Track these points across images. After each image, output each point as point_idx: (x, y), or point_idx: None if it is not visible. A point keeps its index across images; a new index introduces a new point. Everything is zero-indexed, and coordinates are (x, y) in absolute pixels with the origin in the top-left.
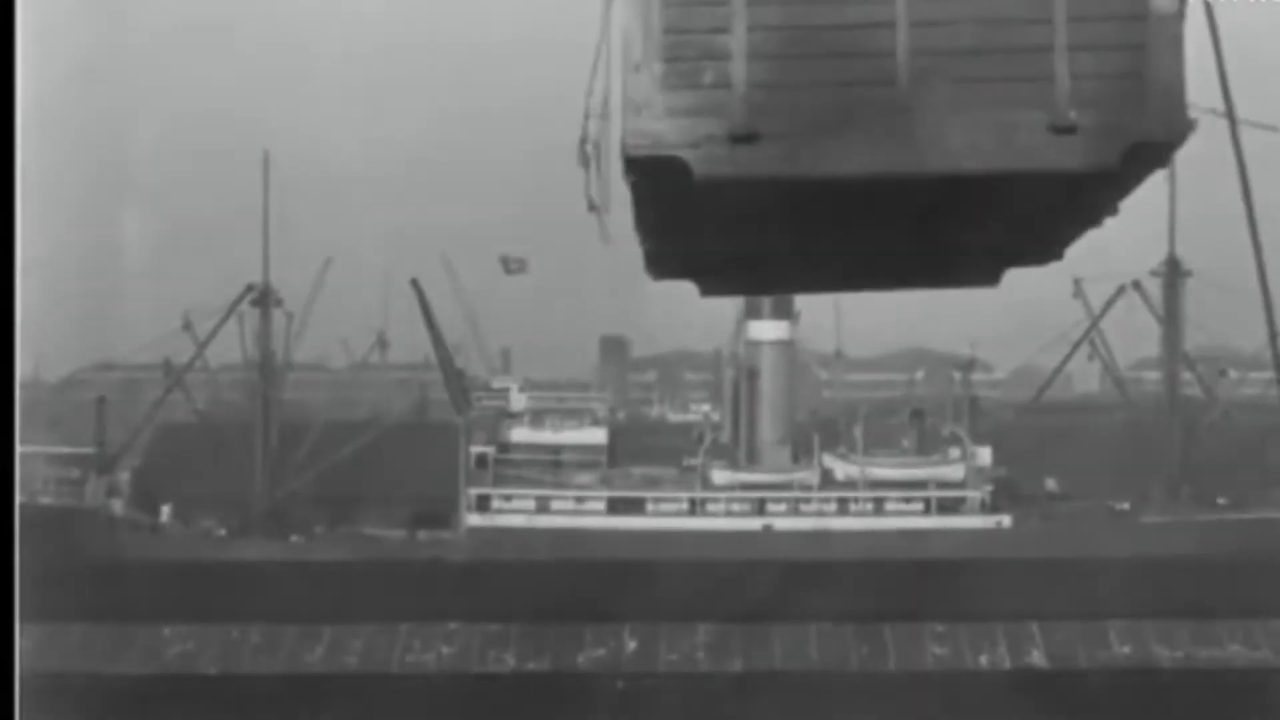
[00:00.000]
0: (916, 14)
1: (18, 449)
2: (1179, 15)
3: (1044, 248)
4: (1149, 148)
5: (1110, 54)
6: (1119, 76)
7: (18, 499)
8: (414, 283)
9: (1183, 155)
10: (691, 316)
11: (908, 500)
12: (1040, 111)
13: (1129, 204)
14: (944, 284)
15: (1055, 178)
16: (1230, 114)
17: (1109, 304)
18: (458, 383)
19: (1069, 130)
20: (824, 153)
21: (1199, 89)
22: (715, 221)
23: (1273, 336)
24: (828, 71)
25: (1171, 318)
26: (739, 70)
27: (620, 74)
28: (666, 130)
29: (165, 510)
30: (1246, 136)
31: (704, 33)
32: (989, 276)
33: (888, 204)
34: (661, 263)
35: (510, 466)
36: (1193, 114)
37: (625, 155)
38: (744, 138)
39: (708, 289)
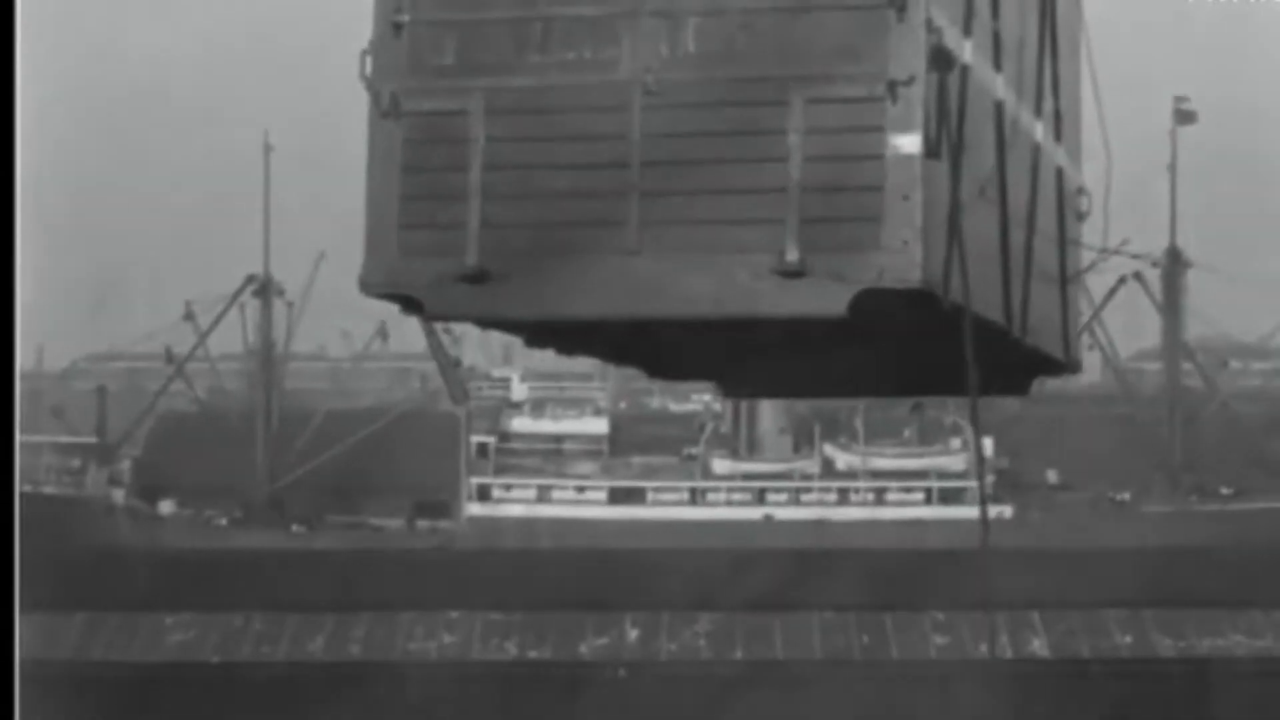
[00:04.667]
0: (649, 155)
1: (18, 438)
2: (919, 157)
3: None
4: (882, 295)
5: (845, 196)
6: (853, 220)
7: (17, 488)
8: None
9: (1184, 147)
10: None
11: (908, 490)
12: (769, 255)
13: (1133, 196)
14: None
15: (786, 324)
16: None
17: (1110, 295)
18: (453, 372)
19: (796, 275)
20: (549, 295)
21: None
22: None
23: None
24: (559, 212)
25: (1172, 308)
26: (473, 209)
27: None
28: (403, 268)
29: (166, 504)
30: (1255, 134)
31: (441, 170)
32: (1017, 387)
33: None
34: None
35: (511, 456)
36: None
37: (362, 292)
38: (474, 278)
39: (729, 390)
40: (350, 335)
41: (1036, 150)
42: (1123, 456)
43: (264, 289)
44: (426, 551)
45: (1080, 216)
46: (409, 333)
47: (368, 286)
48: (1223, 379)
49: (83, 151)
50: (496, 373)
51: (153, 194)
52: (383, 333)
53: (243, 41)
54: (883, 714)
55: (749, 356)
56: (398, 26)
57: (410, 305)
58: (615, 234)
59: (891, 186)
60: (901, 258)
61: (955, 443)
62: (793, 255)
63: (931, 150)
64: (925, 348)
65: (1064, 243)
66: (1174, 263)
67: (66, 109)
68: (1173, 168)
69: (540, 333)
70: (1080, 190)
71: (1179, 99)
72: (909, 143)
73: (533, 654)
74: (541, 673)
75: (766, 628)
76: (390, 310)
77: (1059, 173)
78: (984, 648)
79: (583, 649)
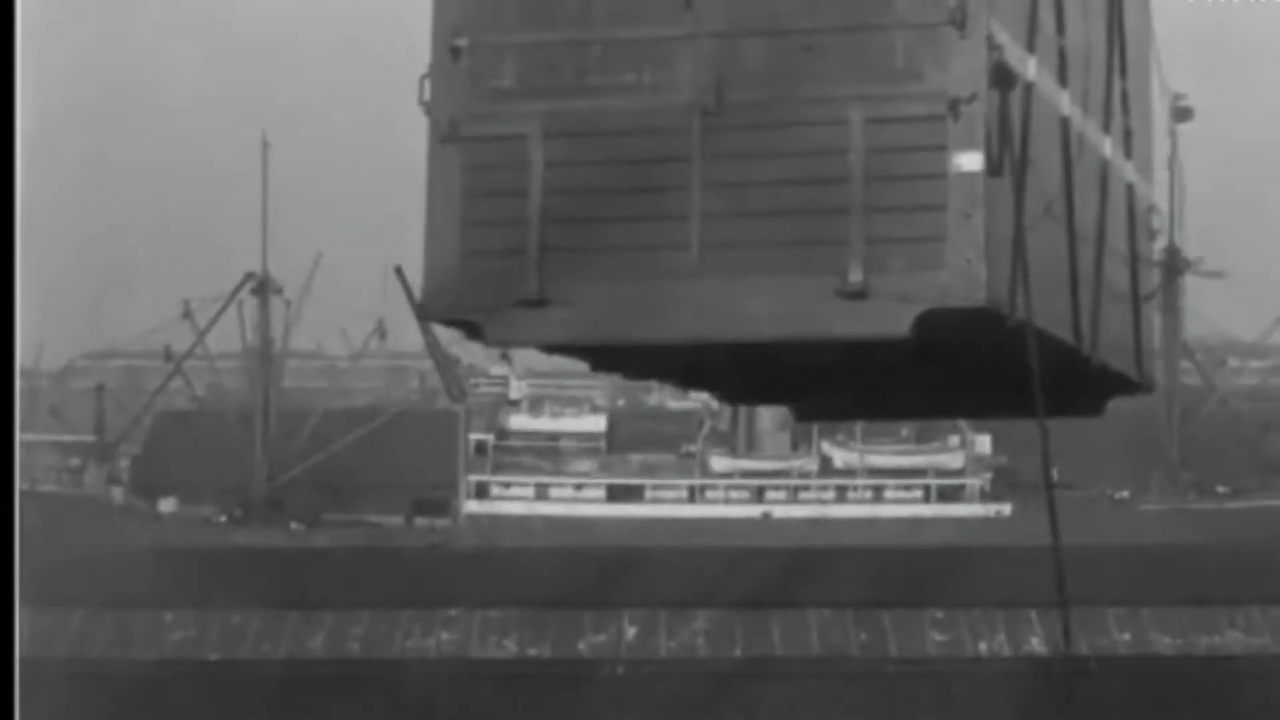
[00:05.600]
0: (710, 176)
1: (18, 436)
2: (981, 176)
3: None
4: (946, 315)
5: (907, 216)
6: (916, 240)
7: (17, 487)
8: (398, 270)
9: (1184, 142)
10: None
11: (907, 488)
12: (832, 276)
13: None
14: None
15: (852, 345)
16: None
17: None
18: (451, 370)
19: (859, 296)
20: (612, 320)
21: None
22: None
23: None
24: (620, 235)
25: (1170, 307)
26: (534, 234)
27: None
28: (462, 294)
29: (167, 502)
30: (1252, 137)
31: (501, 195)
32: (1090, 407)
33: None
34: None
35: (509, 454)
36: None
37: (421, 318)
38: (534, 303)
39: (802, 414)
40: (348, 334)
41: (1105, 167)
42: (1121, 454)
43: (262, 287)
44: (425, 549)
45: (1152, 234)
46: (407, 331)
47: (428, 312)
48: (1221, 377)
49: (81, 150)
50: (494, 370)
51: (150, 192)
52: (380, 331)
53: (243, 39)
54: (881, 711)
55: (820, 380)
56: (455, 51)
57: (472, 331)
58: (677, 257)
59: (954, 205)
60: (965, 277)
61: (953, 440)
62: (856, 276)
63: (994, 168)
64: (995, 368)
65: (1135, 260)
66: (1173, 261)
67: (66, 108)
68: (1171, 165)
69: (605, 358)
70: (1152, 207)
71: (1176, 95)
72: (971, 161)
73: (531, 651)
74: (540, 670)
75: (765, 625)
76: (388, 308)
77: (1129, 189)
78: (982, 646)
79: (581, 646)
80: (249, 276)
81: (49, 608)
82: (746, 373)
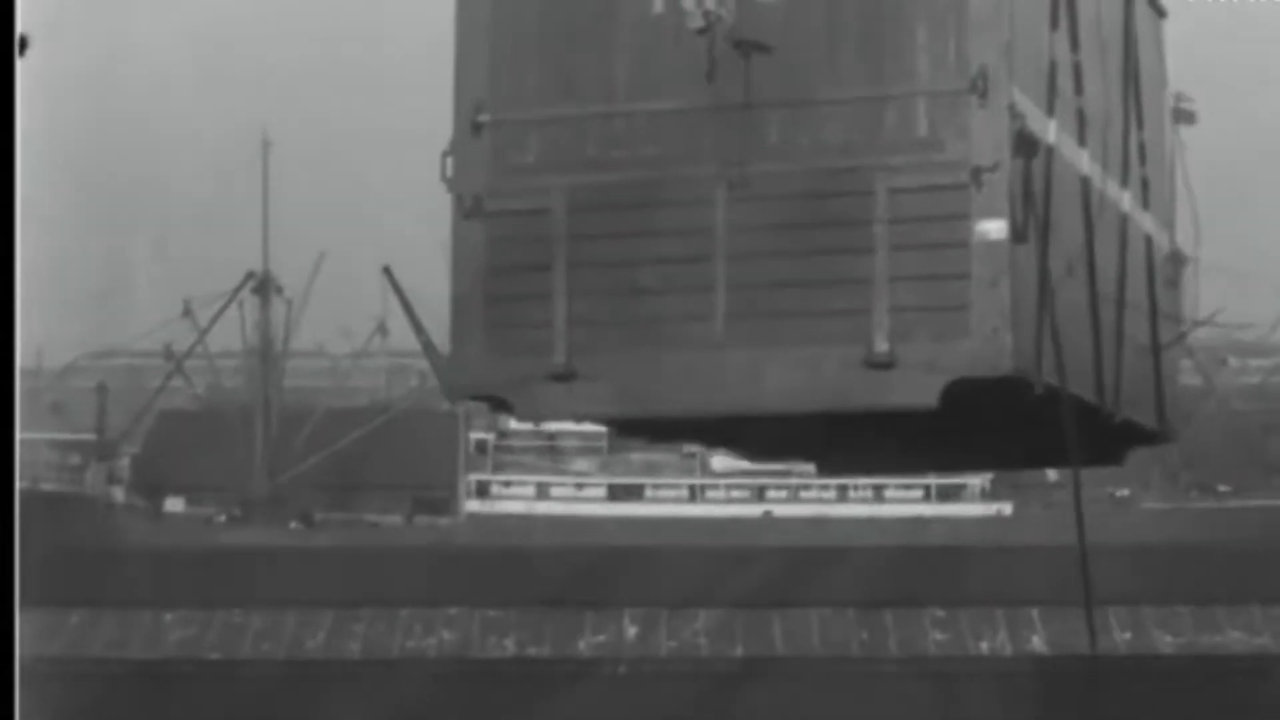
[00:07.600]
0: (734, 248)
1: (18, 435)
2: (1006, 243)
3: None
4: (972, 383)
5: (932, 285)
6: (941, 309)
7: (17, 484)
8: (386, 270)
9: (1185, 137)
10: None
11: (907, 487)
12: (858, 346)
13: None
14: (1060, 466)
15: (884, 414)
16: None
17: None
18: (444, 369)
19: (885, 366)
20: (638, 392)
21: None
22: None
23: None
24: (645, 308)
25: (1173, 309)
26: (559, 308)
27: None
28: (489, 369)
29: (174, 501)
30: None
31: (526, 270)
32: (1111, 457)
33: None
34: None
35: (510, 453)
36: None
37: (448, 395)
38: (562, 377)
39: (826, 469)
40: (350, 332)
41: (1124, 221)
42: None
43: (263, 286)
44: (425, 548)
45: (1172, 283)
46: (408, 330)
47: (454, 390)
48: (1221, 376)
49: (83, 148)
50: None
51: (152, 191)
52: (382, 329)
53: (243, 38)
54: (882, 710)
55: (845, 440)
56: (478, 127)
57: (500, 405)
58: (702, 328)
59: (979, 274)
60: (991, 346)
61: None
62: (881, 346)
63: (1019, 235)
64: (1017, 424)
65: (1155, 311)
66: (1173, 259)
67: (68, 107)
68: (1172, 168)
69: (631, 426)
70: (1173, 255)
71: (1179, 97)
72: (995, 229)
73: (532, 651)
74: (541, 670)
75: (765, 624)
76: (390, 306)
77: (1148, 241)
78: (983, 645)
79: (581, 646)
80: (250, 275)
81: (48, 607)
82: (772, 434)
